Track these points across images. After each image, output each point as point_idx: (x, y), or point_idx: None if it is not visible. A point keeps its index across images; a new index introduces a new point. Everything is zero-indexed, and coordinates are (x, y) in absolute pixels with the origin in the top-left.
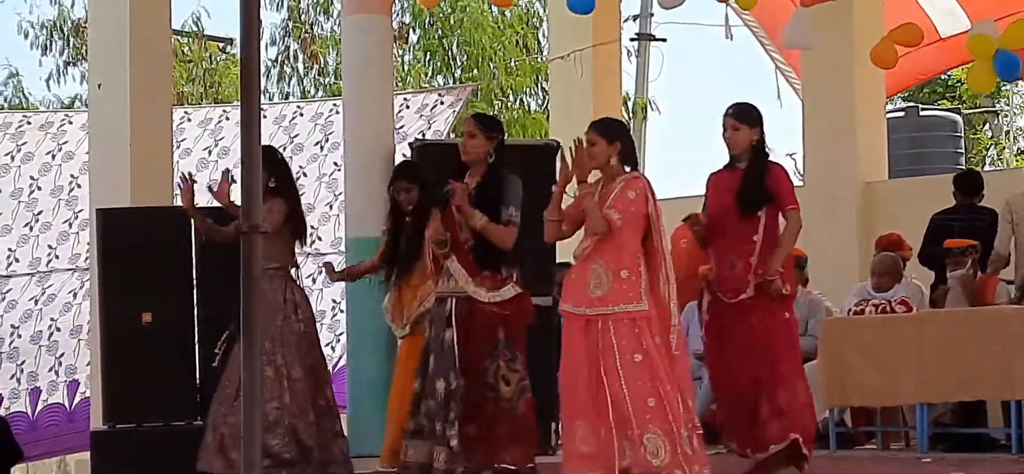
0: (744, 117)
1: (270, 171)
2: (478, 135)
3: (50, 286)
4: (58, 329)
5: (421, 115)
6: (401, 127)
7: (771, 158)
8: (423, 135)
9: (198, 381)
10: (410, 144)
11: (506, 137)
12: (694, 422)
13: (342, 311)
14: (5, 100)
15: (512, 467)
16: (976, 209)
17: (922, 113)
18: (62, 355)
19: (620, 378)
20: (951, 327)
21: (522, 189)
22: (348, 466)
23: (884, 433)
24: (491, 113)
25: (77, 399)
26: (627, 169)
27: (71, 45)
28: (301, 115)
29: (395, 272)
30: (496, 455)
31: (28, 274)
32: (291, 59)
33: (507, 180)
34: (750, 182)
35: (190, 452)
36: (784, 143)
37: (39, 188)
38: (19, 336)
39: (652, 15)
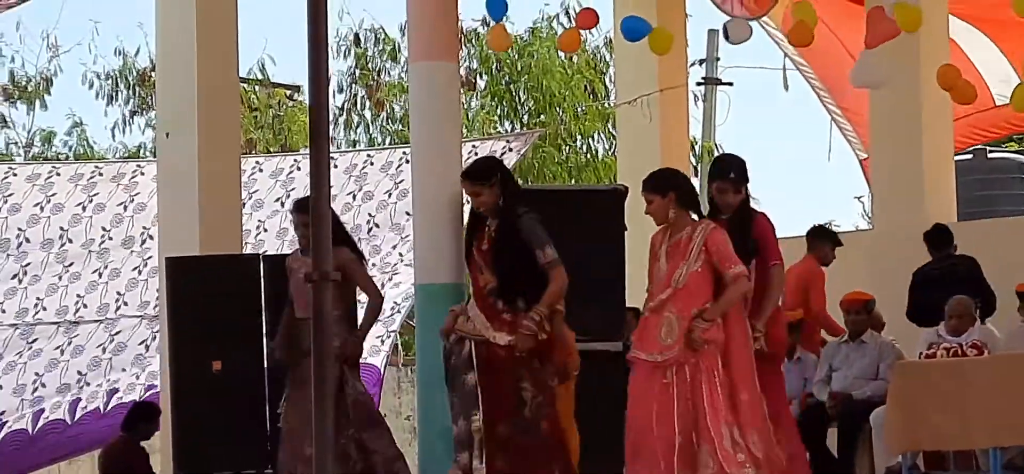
0: (738, 178)
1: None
2: (480, 190)
3: (119, 333)
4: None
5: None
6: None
7: (755, 208)
8: None
9: (268, 429)
10: None
11: (569, 183)
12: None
13: (399, 313)
14: (70, 149)
15: None
16: (954, 258)
17: (990, 155)
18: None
19: (681, 423)
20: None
21: (538, 221)
22: None
23: None
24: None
25: (112, 402)
26: (693, 215)
27: (136, 94)
28: (371, 164)
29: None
30: None
31: (96, 320)
32: (358, 106)
33: (523, 220)
34: (738, 236)
35: None
36: (827, 198)
37: (110, 238)
38: (86, 383)
39: (718, 59)
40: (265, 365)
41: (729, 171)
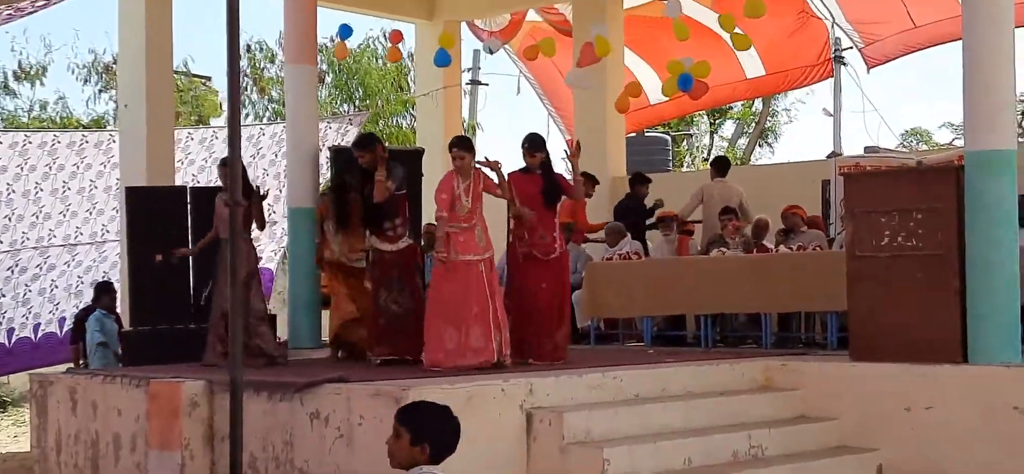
0: (538, 146)
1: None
2: (364, 154)
3: (77, 254)
4: (56, 286)
5: (336, 130)
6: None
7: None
8: (335, 145)
9: (191, 297)
10: (330, 147)
11: (386, 144)
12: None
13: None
14: (57, 115)
15: (408, 357)
16: (635, 197)
17: (646, 134)
18: (58, 303)
19: (493, 296)
20: (664, 268)
21: (402, 169)
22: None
23: (624, 334)
24: (371, 132)
25: (65, 329)
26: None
27: (103, 78)
28: (263, 134)
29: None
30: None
31: (61, 245)
32: (248, 92)
33: (394, 171)
34: (549, 185)
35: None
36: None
37: (95, 187)
38: (30, 291)
39: (479, 68)
40: (190, 258)
41: (524, 142)
